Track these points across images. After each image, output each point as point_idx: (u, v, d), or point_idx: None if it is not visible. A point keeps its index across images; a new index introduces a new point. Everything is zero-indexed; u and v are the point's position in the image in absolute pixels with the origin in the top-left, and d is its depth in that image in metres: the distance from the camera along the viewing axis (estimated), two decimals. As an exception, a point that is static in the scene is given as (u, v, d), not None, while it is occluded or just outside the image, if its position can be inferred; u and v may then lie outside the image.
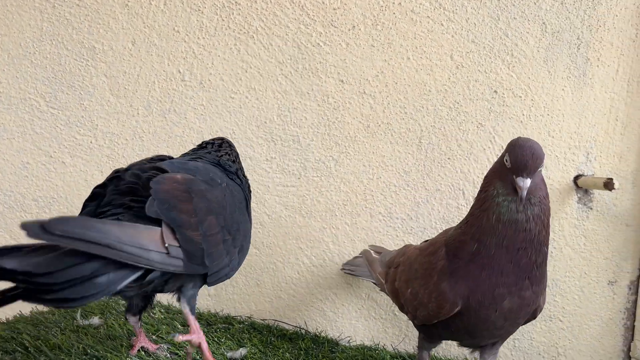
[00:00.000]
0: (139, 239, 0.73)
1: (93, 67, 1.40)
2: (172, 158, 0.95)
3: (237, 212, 0.90)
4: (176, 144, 1.40)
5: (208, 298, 1.37)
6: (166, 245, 0.75)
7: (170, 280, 0.80)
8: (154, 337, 0.99)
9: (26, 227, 0.67)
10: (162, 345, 0.93)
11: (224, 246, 0.83)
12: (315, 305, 1.40)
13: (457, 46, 1.38)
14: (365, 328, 1.39)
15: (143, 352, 0.88)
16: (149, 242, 0.74)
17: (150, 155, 1.38)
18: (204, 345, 0.84)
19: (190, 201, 0.80)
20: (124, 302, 1.21)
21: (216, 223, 0.82)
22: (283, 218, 1.39)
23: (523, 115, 1.38)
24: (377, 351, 1.19)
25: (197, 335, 0.83)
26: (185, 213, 0.78)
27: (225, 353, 0.97)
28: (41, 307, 1.09)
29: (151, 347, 0.91)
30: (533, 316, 0.92)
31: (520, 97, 1.38)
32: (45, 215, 1.39)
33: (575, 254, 1.38)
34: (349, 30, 1.38)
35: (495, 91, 1.38)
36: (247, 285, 1.39)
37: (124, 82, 1.40)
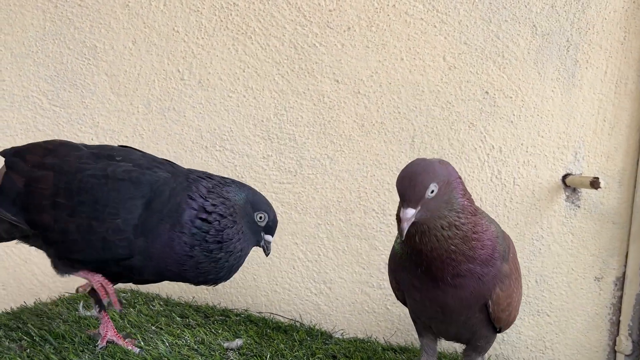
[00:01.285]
0: None
1: (94, 66, 1.43)
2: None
3: (111, 192, 0.87)
4: (175, 142, 1.43)
5: (206, 292, 1.41)
6: None
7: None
8: (153, 327, 1.02)
9: None
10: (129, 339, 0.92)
11: (51, 202, 0.87)
12: (310, 299, 1.44)
13: (449, 48, 1.41)
14: (359, 321, 1.43)
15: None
16: None
17: (150, 152, 1.42)
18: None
19: (40, 155, 0.92)
20: (124, 294, 1.25)
21: (53, 179, 0.88)
22: (279, 214, 1.41)
23: (513, 115, 1.42)
24: (369, 343, 1.23)
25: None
26: (25, 161, 0.92)
27: (222, 343, 1.00)
28: (44, 299, 1.13)
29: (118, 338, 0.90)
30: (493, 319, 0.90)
31: (511, 97, 1.41)
32: (48, 210, 1.43)
33: (563, 251, 1.42)
34: (344, 31, 1.41)
35: (487, 92, 1.42)
36: (243, 280, 1.43)
37: (125, 80, 1.43)
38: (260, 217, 0.93)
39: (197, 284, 0.91)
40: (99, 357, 0.78)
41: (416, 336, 1.45)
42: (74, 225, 0.85)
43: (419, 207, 0.77)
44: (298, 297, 1.44)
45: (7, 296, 1.42)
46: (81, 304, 1.05)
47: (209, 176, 0.94)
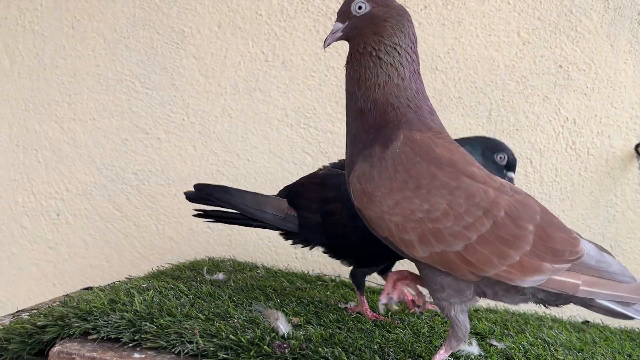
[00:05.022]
0: (261, 204, 1.00)
1: (182, 50, 1.51)
2: None
3: None
4: (262, 120, 1.50)
5: (296, 260, 1.50)
6: (286, 212, 1.01)
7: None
8: (270, 290, 1.11)
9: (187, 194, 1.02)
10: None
11: (350, 228, 0.99)
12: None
13: (523, 23, 1.46)
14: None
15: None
16: (270, 208, 1.01)
17: (238, 130, 1.49)
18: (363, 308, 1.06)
19: (318, 192, 1.01)
20: (228, 262, 1.33)
21: (341, 209, 0.99)
22: (361, 187, 1.50)
23: (587, 87, 1.47)
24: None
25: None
26: (307, 200, 1.02)
27: (339, 304, 1.08)
28: (146, 271, 1.22)
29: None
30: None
31: (584, 70, 1.46)
32: (144, 188, 1.51)
33: (637, 217, 1.47)
34: (421, 10, 1.47)
35: (560, 65, 1.47)
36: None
37: (212, 63, 1.50)
38: (500, 157, 1.04)
39: None
40: (252, 312, 0.86)
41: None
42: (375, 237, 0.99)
43: (347, 23, 0.76)
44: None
45: (111, 268, 1.52)
46: (205, 269, 1.13)
47: None
